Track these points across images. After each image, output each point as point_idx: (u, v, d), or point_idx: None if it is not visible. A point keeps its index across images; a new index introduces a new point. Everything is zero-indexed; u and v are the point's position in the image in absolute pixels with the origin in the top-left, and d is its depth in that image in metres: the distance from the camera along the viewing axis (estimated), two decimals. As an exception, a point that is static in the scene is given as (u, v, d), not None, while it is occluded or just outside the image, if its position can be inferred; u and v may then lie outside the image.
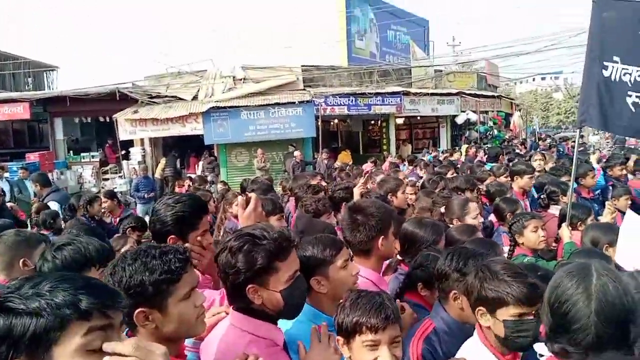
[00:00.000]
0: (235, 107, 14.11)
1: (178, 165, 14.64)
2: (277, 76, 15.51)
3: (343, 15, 19.16)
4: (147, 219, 5.13)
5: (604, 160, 7.64)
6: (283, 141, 14.32)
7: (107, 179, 14.70)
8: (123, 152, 14.65)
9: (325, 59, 16.91)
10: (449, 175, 6.49)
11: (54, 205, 6.16)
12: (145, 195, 10.72)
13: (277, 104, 14.22)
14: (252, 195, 2.13)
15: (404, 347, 1.72)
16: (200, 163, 14.19)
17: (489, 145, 16.18)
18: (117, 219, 5.98)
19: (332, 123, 19.07)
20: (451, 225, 3.43)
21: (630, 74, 3.06)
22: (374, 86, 16.58)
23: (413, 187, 5.13)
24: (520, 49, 16.43)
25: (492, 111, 22.21)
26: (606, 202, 4.51)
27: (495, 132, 20.57)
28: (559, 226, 3.68)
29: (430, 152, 15.53)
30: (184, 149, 15.91)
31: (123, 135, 14.20)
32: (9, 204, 7.20)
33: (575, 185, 4.89)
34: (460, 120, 18.45)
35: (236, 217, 4.73)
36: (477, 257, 2.00)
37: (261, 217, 2.12)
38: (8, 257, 2.35)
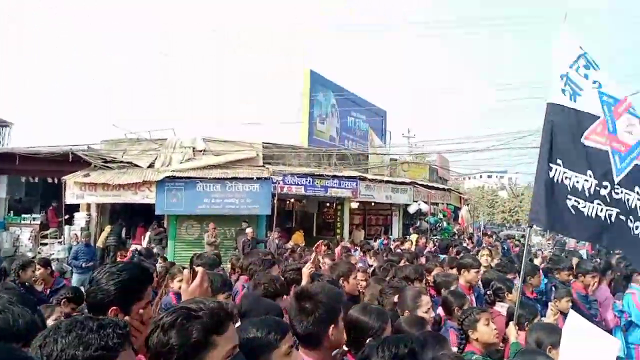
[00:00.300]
0: (192, 178, 13.98)
1: (123, 235, 14.04)
2: (237, 150, 15.65)
3: (307, 99, 20.03)
4: (83, 290, 4.81)
5: (546, 261, 7.94)
6: (237, 216, 14.14)
7: (45, 244, 13.81)
8: (67, 216, 13.96)
9: (286, 138, 17.34)
10: (401, 263, 6.52)
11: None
12: (84, 265, 10.13)
13: (235, 178, 14.21)
14: (200, 269, 2.04)
15: None
16: (148, 234, 13.64)
17: (437, 237, 16.57)
18: (48, 290, 5.66)
19: (287, 202, 19.14)
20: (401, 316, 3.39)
21: (569, 179, 3.24)
22: (331, 169, 16.96)
23: (364, 273, 5.10)
24: (470, 146, 17.52)
25: (442, 203, 23.07)
26: (549, 303, 4.61)
27: (445, 224, 21.20)
28: (506, 324, 3.70)
29: (383, 239, 15.71)
30: (132, 218, 15.33)
31: (70, 198, 13.60)
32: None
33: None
34: (412, 209, 18.99)
35: (177, 293, 4.51)
36: (412, 346, 1.99)
37: (206, 293, 1.99)
38: None
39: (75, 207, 14.20)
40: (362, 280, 4.84)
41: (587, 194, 3.26)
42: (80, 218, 14.01)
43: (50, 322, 2.85)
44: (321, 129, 21.10)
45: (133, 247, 12.22)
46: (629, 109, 3.34)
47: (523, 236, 26.42)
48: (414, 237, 13.95)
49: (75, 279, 9.67)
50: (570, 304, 4.87)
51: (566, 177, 3.25)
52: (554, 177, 3.22)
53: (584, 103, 3.36)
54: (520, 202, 64.79)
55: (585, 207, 3.25)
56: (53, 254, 11.90)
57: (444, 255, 8.02)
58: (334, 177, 16.19)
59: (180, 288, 4.29)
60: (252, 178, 14.29)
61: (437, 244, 12.53)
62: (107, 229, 13.17)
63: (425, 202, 19.67)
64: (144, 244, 12.88)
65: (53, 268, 6.42)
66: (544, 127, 3.33)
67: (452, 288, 4.59)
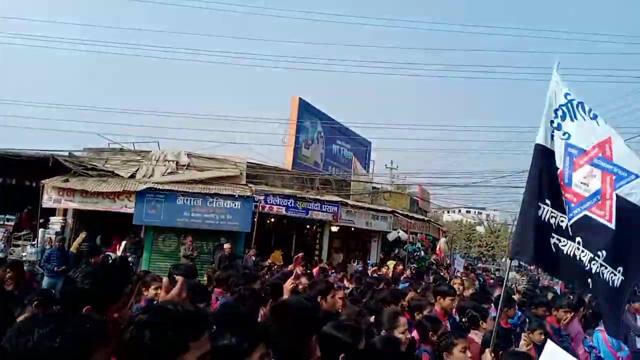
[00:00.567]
0: (173, 191, 13.86)
1: (98, 242, 13.76)
2: (221, 168, 15.62)
3: (294, 124, 20.34)
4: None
5: (520, 294, 8.05)
6: (216, 232, 14.00)
7: (18, 245, 13.46)
8: (42, 220, 13.66)
9: (271, 160, 17.44)
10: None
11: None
12: (55, 269, 9.86)
13: (217, 194, 14.14)
14: (179, 278, 2.03)
15: None
16: (123, 243, 13.39)
17: (415, 265, 16.64)
18: (17, 292, 5.47)
19: (268, 222, 19.07)
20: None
21: (555, 218, 3.37)
22: (314, 192, 17.03)
23: (341, 292, 5.09)
24: (451, 181, 17.79)
25: (421, 233, 23.25)
26: (522, 334, 4.68)
27: (422, 253, 21.33)
28: (482, 352, 3.73)
29: (360, 264, 15.70)
30: (108, 226, 15.05)
31: (47, 202, 13.36)
32: None
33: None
34: (391, 237, 19.09)
35: (150, 300, 4.43)
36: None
37: (185, 302, 2.00)
38: None
39: (51, 211, 13.91)
40: (339, 298, 4.83)
41: (568, 233, 3.37)
42: (55, 222, 13.70)
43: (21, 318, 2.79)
44: (306, 153, 21.37)
45: (107, 254, 11.99)
46: (593, 159, 3.44)
47: (498, 270, 26.75)
48: (391, 263, 13.98)
49: (45, 282, 9.45)
50: (543, 336, 4.95)
51: (552, 217, 3.37)
52: (541, 215, 3.33)
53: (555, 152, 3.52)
54: (497, 237, 65.62)
55: (565, 245, 3.35)
56: (25, 255, 11.64)
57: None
58: (316, 200, 16.24)
59: (155, 295, 4.26)
60: (234, 195, 14.26)
61: (414, 271, 12.58)
62: (82, 234, 12.92)
63: (405, 231, 19.81)
64: (119, 252, 12.63)
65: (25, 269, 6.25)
66: (532, 166, 3.45)
67: (426, 312, 4.62)
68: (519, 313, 6.37)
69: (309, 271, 8.84)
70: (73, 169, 13.93)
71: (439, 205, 32.58)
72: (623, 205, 3.26)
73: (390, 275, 10.66)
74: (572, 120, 3.55)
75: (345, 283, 8.75)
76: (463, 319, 5.08)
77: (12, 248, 13.17)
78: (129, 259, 10.73)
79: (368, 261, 17.42)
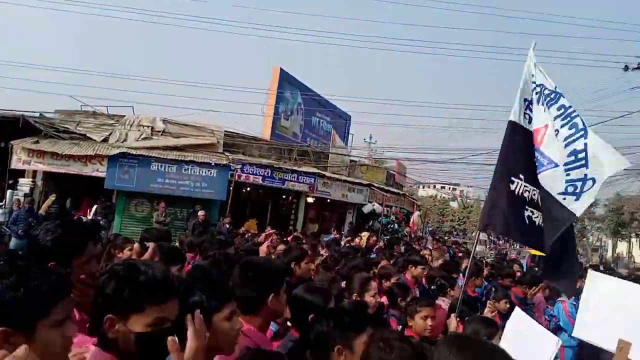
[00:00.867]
0: (147, 156, 13.61)
1: (68, 205, 13.51)
2: (198, 135, 15.37)
3: (274, 94, 20.09)
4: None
5: (489, 267, 8.29)
6: (190, 199, 13.89)
7: (-16, 207, 13.09)
8: (10, 181, 13.29)
9: (249, 129, 17.24)
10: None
11: None
12: (20, 232, 9.66)
13: (192, 161, 13.96)
14: (151, 244, 2.02)
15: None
16: (95, 207, 13.16)
17: (388, 237, 16.93)
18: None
19: (244, 191, 19.00)
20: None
21: (528, 192, 3.49)
22: (291, 163, 16.99)
23: (314, 259, 5.15)
24: (427, 157, 18.01)
25: (396, 207, 23.57)
26: (488, 302, 4.85)
27: (396, 226, 21.67)
28: (448, 317, 3.86)
29: (334, 233, 15.88)
30: (79, 190, 14.74)
31: (16, 164, 12.99)
32: None
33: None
34: (366, 209, 19.31)
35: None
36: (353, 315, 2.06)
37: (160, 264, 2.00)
38: None
39: (20, 173, 13.56)
40: (313, 266, 4.89)
41: (539, 205, 3.49)
42: (24, 184, 13.37)
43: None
44: (285, 124, 21.24)
45: (77, 216, 11.79)
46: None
47: (465, 243, 27.57)
48: (365, 234, 14.18)
49: (13, 244, 9.33)
50: (508, 305, 5.14)
51: (525, 190, 3.46)
52: (514, 189, 3.43)
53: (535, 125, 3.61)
54: (469, 213, 67.13)
55: (537, 217, 3.48)
56: (-8, 216, 11.30)
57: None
58: (293, 171, 16.23)
59: (129, 257, 4.22)
60: (210, 163, 14.11)
61: (386, 243, 12.81)
62: (52, 197, 12.64)
63: (380, 204, 20.04)
64: (90, 216, 12.44)
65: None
66: (504, 144, 3.54)
67: (393, 280, 4.73)
68: (486, 283, 6.59)
69: (285, 239, 8.90)
70: (44, 130, 13.49)
71: (414, 179, 32.99)
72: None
73: (363, 246, 10.83)
74: (537, 103, 3.64)
75: (320, 250, 8.86)
76: (432, 287, 5.25)
77: (-21, 210, 12.82)
78: (101, 222, 10.57)
79: (342, 232, 17.62)
